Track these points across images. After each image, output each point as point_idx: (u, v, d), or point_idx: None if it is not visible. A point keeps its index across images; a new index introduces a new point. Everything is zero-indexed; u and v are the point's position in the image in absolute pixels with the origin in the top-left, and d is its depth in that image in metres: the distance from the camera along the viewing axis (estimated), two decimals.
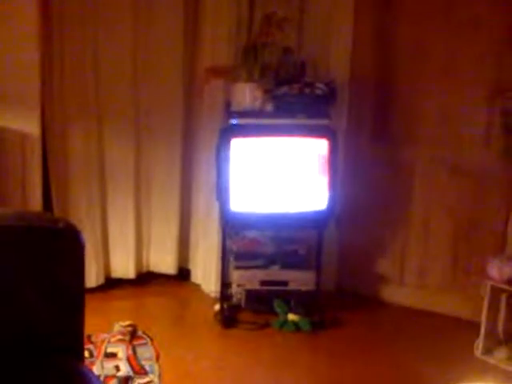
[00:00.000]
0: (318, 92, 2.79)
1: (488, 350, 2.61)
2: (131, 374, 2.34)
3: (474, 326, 2.66)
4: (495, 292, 2.57)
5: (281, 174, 2.79)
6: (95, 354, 2.46)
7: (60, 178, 3.04)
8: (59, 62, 2.93)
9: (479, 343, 2.61)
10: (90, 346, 2.49)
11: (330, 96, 2.83)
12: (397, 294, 3.19)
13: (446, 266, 3.06)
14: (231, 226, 2.92)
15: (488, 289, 2.57)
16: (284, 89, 2.81)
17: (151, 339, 2.64)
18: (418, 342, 2.78)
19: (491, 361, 2.58)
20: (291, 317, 2.85)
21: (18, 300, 1.28)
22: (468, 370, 2.49)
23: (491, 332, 2.62)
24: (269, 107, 2.79)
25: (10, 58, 2.68)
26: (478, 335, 2.62)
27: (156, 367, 2.41)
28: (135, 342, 2.59)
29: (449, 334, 2.84)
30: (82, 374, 1.36)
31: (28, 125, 2.78)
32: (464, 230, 3.00)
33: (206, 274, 3.24)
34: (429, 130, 3.05)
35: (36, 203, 2.83)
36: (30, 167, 2.81)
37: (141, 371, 2.37)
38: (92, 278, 3.07)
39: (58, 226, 1.31)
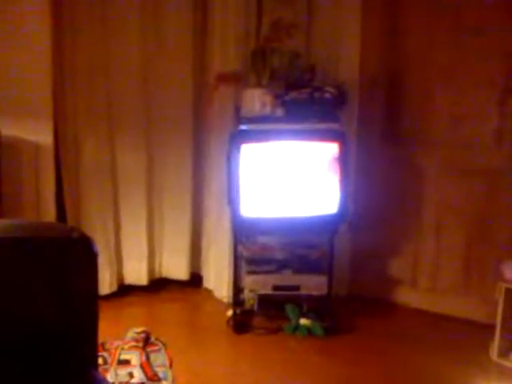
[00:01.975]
0: (328, 96, 2.79)
1: (503, 353, 2.58)
2: (145, 380, 2.35)
3: (488, 329, 2.63)
4: (510, 294, 2.54)
5: (292, 179, 2.79)
6: (109, 360, 2.47)
7: (73, 186, 3.07)
8: (70, 72, 2.97)
9: (494, 346, 2.58)
10: (104, 353, 2.51)
11: (339, 99, 2.82)
12: (410, 298, 3.17)
13: (459, 268, 3.04)
14: (243, 231, 2.92)
15: (502, 291, 2.54)
16: (293, 93, 2.82)
17: (164, 345, 2.65)
18: (433, 345, 2.75)
19: (507, 363, 2.55)
20: (303, 321, 2.84)
21: (32, 309, 1.30)
22: (484, 373, 2.48)
23: (506, 334, 2.59)
24: (279, 112, 2.79)
25: (23, 70, 2.72)
26: (493, 338, 2.59)
27: (169, 373, 2.41)
28: (148, 349, 2.60)
29: (463, 337, 2.82)
30: (95, 381, 1.37)
31: (41, 135, 2.81)
32: (477, 232, 2.98)
33: (218, 280, 3.25)
34: (440, 132, 3.04)
35: (50, 213, 2.86)
36: (43, 177, 2.85)
37: (154, 378, 2.37)
38: (105, 285, 3.09)
39: (72, 236, 1.32)
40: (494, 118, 2.87)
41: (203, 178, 3.34)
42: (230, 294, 3.01)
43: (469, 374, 2.47)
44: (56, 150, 2.93)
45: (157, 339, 2.70)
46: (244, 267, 2.97)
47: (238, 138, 2.72)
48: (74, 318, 1.34)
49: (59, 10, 2.87)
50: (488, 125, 2.89)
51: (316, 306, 2.91)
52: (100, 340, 1.45)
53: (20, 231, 1.31)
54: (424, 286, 3.15)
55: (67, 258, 1.30)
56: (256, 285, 2.92)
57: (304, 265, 2.97)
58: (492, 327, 2.60)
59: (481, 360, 2.58)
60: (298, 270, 2.95)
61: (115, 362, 2.47)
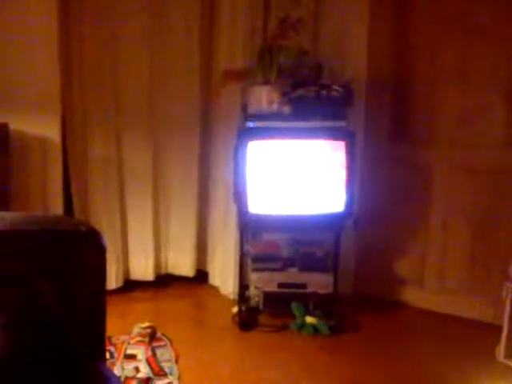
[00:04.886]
0: (335, 94, 2.78)
1: (510, 354, 2.57)
2: (151, 375, 2.36)
3: (495, 330, 2.62)
4: None
5: (298, 177, 2.79)
6: (115, 355, 2.49)
7: (80, 181, 3.09)
8: (78, 67, 2.99)
9: (501, 347, 2.57)
10: (111, 348, 2.53)
11: (346, 98, 2.81)
12: (416, 297, 3.16)
13: (466, 268, 3.02)
14: (249, 228, 2.93)
15: (509, 292, 2.53)
16: (300, 91, 2.81)
17: (170, 341, 2.66)
18: (438, 345, 2.74)
19: None
20: (309, 319, 2.84)
21: (39, 302, 1.31)
22: (490, 374, 2.47)
23: None
24: (285, 110, 2.79)
25: (31, 65, 2.74)
26: (499, 339, 2.58)
27: (175, 369, 2.43)
28: (154, 344, 2.62)
29: (470, 338, 2.80)
30: (103, 374, 1.38)
31: (48, 130, 2.83)
32: (484, 232, 2.96)
33: (223, 277, 3.25)
34: (447, 131, 3.02)
35: (57, 207, 2.88)
36: (50, 172, 2.86)
37: (160, 372, 2.39)
38: (111, 281, 3.10)
39: (80, 230, 1.33)
40: (502, 117, 2.85)
41: (210, 175, 3.34)
42: (236, 290, 3.02)
43: (474, 375, 2.45)
44: (63, 145, 2.95)
45: (163, 334, 2.71)
46: (250, 264, 2.98)
47: (244, 135, 2.72)
48: (81, 313, 1.35)
49: (67, 7, 2.88)
50: (496, 123, 2.87)
51: (322, 304, 2.90)
52: (106, 334, 1.46)
53: (28, 224, 1.32)
54: (430, 286, 3.14)
55: (75, 251, 1.31)
56: (262, 282, 2.92)
57: (309, 263, 2.97)
58: (498, 328, 2.59)
59: (487, 361, 2.57)
60: (303, 268, 2.95)
61: (121, 356, 2.49)
